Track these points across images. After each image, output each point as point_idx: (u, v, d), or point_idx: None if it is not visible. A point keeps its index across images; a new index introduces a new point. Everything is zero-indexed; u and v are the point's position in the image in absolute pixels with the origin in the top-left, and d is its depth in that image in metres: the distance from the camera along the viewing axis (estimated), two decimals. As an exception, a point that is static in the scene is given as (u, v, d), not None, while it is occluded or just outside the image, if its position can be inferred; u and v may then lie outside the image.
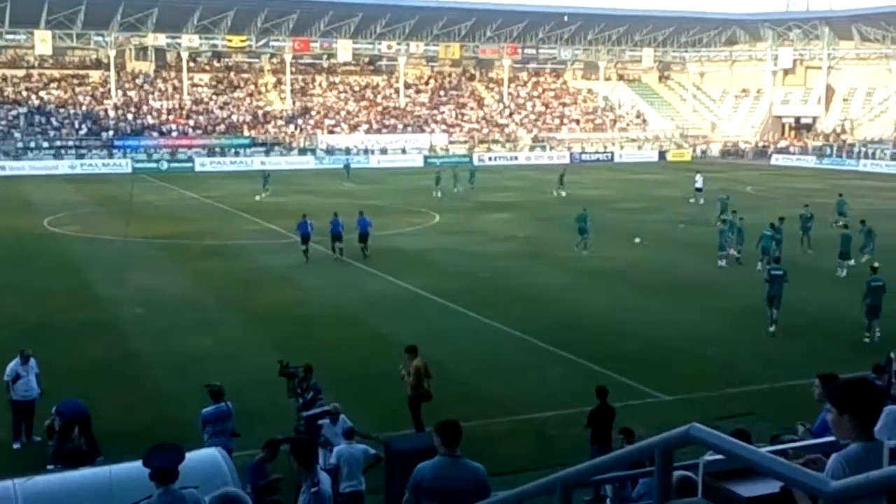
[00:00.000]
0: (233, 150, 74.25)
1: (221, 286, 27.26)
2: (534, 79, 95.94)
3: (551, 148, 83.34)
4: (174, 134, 75.12)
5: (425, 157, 76.53)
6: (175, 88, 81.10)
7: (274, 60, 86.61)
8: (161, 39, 78.80)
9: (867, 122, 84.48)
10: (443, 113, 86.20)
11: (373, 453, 12.03)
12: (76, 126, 73.26)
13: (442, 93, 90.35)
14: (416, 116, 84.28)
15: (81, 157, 69.36)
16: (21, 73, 78.86)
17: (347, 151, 74.34)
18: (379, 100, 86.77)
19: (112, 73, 77.99)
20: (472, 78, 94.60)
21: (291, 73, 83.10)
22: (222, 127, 77.35)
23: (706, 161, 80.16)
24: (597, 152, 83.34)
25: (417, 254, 32.76)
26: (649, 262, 31.26)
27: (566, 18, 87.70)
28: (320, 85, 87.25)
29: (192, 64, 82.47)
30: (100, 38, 76.83)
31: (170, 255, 32.63)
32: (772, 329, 21.82)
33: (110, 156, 70.36)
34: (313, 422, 13.19)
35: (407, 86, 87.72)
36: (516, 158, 79.94)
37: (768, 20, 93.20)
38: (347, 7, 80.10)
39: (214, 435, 12.55)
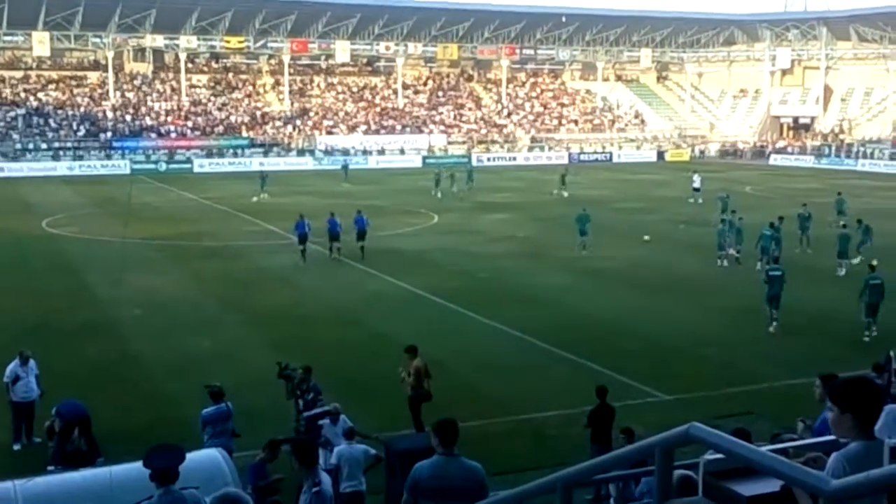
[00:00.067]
0: (231, 151, 74.23)
1: (220, 287, 27.25)
2: (532, 79, 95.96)
3: (550, 148, 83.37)
4: (172, 135, 75.09)
5: (424, 158, 76.55)
6: (173, 89, 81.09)
7: (272, 61, 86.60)
8: (159, 41, 78.81)
9: (865, 122, 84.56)
10: (441, 114, 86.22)
11: (373, 453, 12.04)
12: (74, 127, 73.23)
13: (440, 93, 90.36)
14: (414, 117, 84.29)
15: (80, 158, 69.32)
16: (19, 74, 78.81)
17: (345, 152, 74.35)
18: (377, 100, 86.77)
19: (110, 74, 77.97)
20: (470, 79, 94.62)
21: (290, 73, 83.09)
22: (221, 128, 77.33)
23: (704, 161, 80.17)
24: (595, 152, 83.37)
25: (416, 254, 32.77)
26: (649, 262, 31.27)
27: (564, 19, 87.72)
28: (318, 86, 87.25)
29: (190, 65, 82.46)
30: (98, 40, 76.81)
31: (168, 257, 32.63)
32: (771, 329, 21.84)
33: (108, 157, 70.32)
34: (313, 422, 13.21)
35: (405, 86, 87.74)
36: (515, 159, 79.96)
37: (766, 20, 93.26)
38: (345, 8, 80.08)
39: (214, 436, 12.55)
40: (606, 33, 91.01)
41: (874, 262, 23.25)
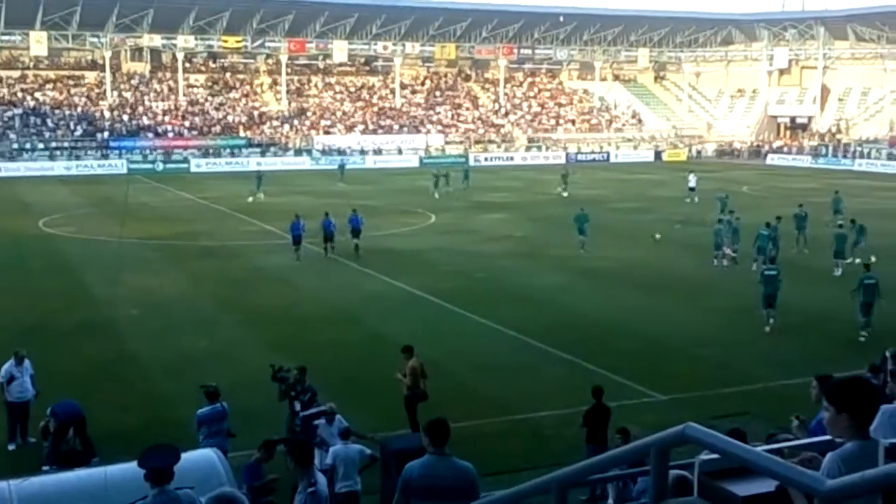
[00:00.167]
0: (228, 151, 74.16)
1: (217, 287, 27.23)
2: (529, 79, 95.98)
3: (547, 148, 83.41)
4: (170, 135, 74.99)
5: (421, 158, 76.54)
6: (170, 89, 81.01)
7: (269, 61, 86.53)
8: (156, 40, 78.74)
9: (862, 122, 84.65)
10: (439, 113, 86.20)
11: (368, 453, 12.03)
12: (71, 127, 73.14)
13: (438, 93, 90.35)
14: (411, 117, 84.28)
15: (77, 158, 69.22)
16: (16, 74, 78.68)
17: (340, 152, 74.31)
18: (375, 100, 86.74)
19: (107, 74, 77.85)
20: (467, 78, 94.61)
21: (287, 73, 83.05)
22: (218, 128, 77.25)
23: (702, 161, 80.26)
24: (593, 152, 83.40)
25: (413, 254, 32.76)
26: (645, 262, 31.28)
27: (562, 19, 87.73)
28: (316, 86, 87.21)
29: (187, 65, 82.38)
30: (95, 39, 76.68)
31: (165, 256, 32.60)
32: (767, 329, 21.85)
33: (106, 157, 70.22)
34: (309, 422, 13.20)
35: (403, 86, 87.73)
36: (512, 159, 79.95)
37: (764, 20, 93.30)
38: (343, 8, 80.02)
39: (210, 436, 12.53)
40: (604, 33, 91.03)
41: (873, 258, 23.26)
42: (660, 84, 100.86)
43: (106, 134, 72.81)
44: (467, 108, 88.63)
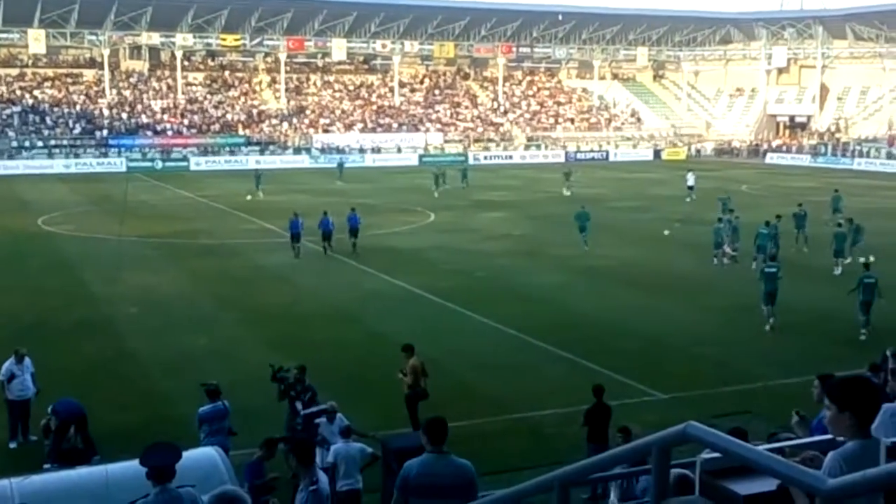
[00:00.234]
0: (227, 149, 74.13)
1: (216, 285, 27.23)
2: (528, 78, 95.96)
3: (546, 147, 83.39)
4: (169, 133, 74.96)
5: (420, 157, 76.52)
6: (169, 87, 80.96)
7: (268, 59, 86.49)
8: (155, 38, 78.68)
9: (861, 121, 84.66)
10: (437, 112, 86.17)
11: (370, 452, 12.04)
12: (70, 125, 73.09)
13: (437, 92, 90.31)
14: (410, 115, 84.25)
15: (76, 156, 69.20)
16: (15, 72, 78.62)
17: (339, 150, 74.27)
18: (374, 99, 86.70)
19: (106, 72, 77.79)
20: (466, 77, 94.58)
21: (286, 71, 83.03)
22: (217, 126, 77.21)
23: (701, 160, 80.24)
24: (592, 151, 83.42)
25: (413, 252, 32.76)
26: (645, 261, 31.28)
27: (560, 17, 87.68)
28: (315, 84, 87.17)
29: (186, 63, 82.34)
30: (94, 37, 76.61)
31: (165, 255, 32.58)
32: (767, 327, 21.87)
33: (105, 155, 70.21)
34: (310, 420, 13.20)
35: (401, 85, 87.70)
36: (511, 157, 79.94)
37: (762, 19, 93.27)
38: (342, 6, 79.95)
39: (211, 434, 12.54)
40: (603, 32, 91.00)
41: (871, 258, 23.28)
42: (659, 83, 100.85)
43: (105, 132, 72.76)
44: (466, 107, 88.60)
